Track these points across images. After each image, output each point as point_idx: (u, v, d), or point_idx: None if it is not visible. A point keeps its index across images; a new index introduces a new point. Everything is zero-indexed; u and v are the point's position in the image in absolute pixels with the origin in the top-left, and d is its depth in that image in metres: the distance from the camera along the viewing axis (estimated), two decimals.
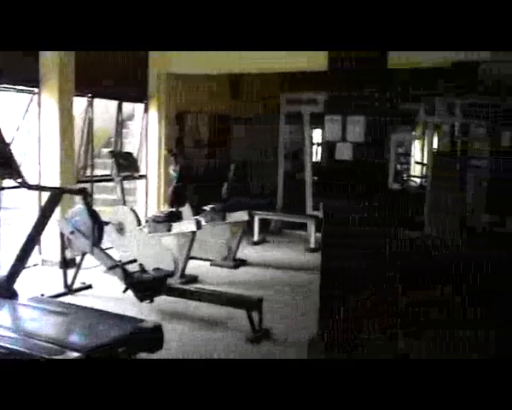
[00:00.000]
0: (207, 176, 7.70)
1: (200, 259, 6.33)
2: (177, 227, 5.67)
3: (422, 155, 10.82)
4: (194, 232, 5.65)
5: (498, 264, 3.37)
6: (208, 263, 6.41)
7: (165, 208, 6.09)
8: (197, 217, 5.97)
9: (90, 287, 5.18)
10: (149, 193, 7.34)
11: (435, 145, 8.75)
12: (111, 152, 5.90)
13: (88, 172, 6.60)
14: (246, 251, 6.95)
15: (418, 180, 10.35)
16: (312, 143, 8.99)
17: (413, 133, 9.91)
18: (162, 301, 4.67)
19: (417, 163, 11.29)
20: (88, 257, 4.98)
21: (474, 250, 3.81)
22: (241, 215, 6.48)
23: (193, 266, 5.96)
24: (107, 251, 4.95)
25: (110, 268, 4.58)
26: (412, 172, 11.77)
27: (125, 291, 4.47)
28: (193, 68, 6.88)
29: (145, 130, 7.37)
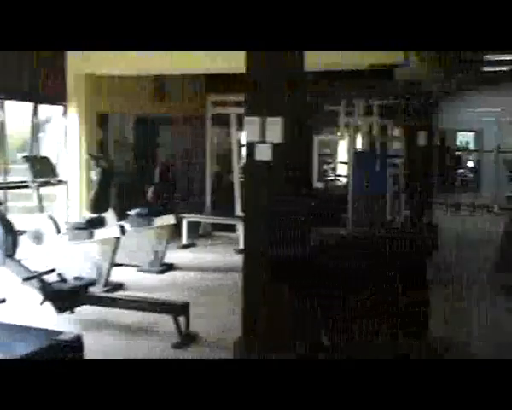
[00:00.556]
0: (132, 179, 7.51)
1: (126, 265, 6.16)
2: (99, 234, 5.47)
3: (348, 155, 11.18)
4: (118, 238, 5.48)
5: (414, 258, 3.51)
6: (135, 269, 6.26)
7: (87, 214, 5.86)
8: (121, 222, 5.80)
9: (3, 301, 4.88)
10: (70, 199, 7.05)
11: (358, 145, 9.04)
12: (25, 157, 5.60)
13: (0, 179, 6.23)
14: (174, 255, 6.85)
15: (344, 179, 10.68)
16: (240, 145, 9.02)
17: (338, 134, 10.21)
18: (86, 310, 4.49)
19: (342, 163, 11.63)
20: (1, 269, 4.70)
21: (390, 245, 3.94)
22: (168, 219, 6.38)
23: (119, 273, 5.79)
24: (24, 261, 4.69)
25: (26, 279, 4.34)
26: (338, 172, 12.13)
27: (42, 303, 4.26)
28: (115, 69, 6.68)
29: (64, 133, 7.07)
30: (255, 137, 3.48)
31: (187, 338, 4.17)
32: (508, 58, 10.25)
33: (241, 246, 7.50)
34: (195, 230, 8.23)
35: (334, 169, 12.48)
